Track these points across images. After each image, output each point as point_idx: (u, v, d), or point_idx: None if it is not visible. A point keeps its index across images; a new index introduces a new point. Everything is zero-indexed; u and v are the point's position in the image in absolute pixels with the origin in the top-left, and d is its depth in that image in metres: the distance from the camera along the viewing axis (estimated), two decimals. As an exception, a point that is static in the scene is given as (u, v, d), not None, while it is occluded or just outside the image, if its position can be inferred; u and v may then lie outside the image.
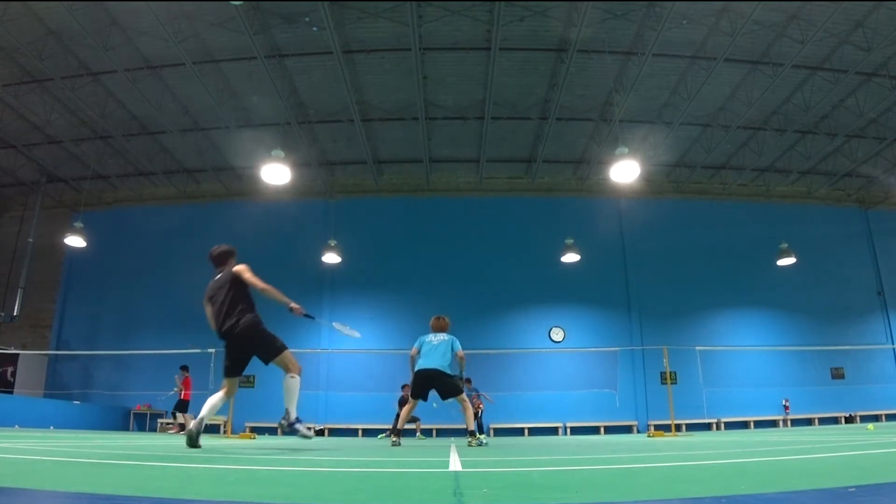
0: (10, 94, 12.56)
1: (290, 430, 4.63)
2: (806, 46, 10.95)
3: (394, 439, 6.45)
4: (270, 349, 4.60)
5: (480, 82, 12.77)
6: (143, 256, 16.95)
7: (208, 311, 4.78)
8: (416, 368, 6.32)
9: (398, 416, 12.50)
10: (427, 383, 6.29)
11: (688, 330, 15.76)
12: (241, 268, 4.72)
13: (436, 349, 6.36)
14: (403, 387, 12.72)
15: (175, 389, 13.35)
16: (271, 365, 4.68)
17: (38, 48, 10.98)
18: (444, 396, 6.30)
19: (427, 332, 6.68)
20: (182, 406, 13.12)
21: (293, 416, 4.62)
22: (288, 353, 4.69)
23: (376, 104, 13.77)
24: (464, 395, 6.35)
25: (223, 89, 12.82)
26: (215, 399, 4.44)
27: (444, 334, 6.60)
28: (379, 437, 12.16)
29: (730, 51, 11.17)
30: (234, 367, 4.59)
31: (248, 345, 4.59)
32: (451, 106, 13.83)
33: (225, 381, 4.60)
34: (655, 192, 17.14)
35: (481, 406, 12.55)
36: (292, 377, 4.64)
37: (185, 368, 13.30)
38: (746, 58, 11.94)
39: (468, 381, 12.11)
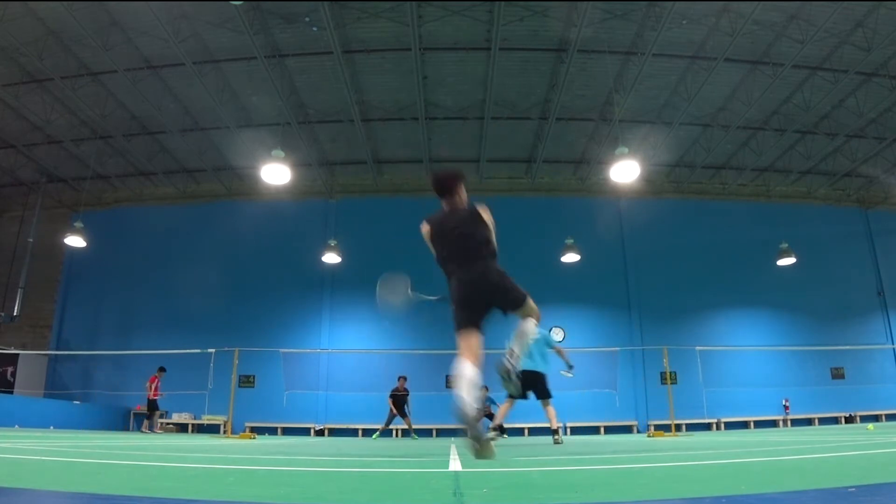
0: (10, 94, 12.55)
1: (508, 371, 3.53)
2: (806, 46, 10.94)
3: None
4: (519, 296, 3.58)
5: (480, 82, 12.76)
6: (143, 256, 16.93)
7: (442, 251, 3.92)
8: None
9: (393, 415, 12.23)
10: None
11: (688, 330, 15.74)
12: (485, 207, 3.81)
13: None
14: (400, 378, 12.46)
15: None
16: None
17: (38, 48, 10.98)
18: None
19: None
20: (151, 405, 13.40)
21: (517, 356, 3.60)
22: (530, 299, 3.63)
23: (376, 104, 13.76)
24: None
25: (223, 89, 12.81)
26: (469, 371, 3.18)
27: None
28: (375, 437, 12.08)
29: (730, 51, 11.17)
30: (473, 316, 3.52)
31: (497, 293, 3.57)
32: (451, 106, 13.82)
33: (464, 334, 3.43)
34: (655, 192, 17.13)
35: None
36: (534, 323, 3.67)
37: (161, 370, 13.54)
38: (746, 58, 11.93)
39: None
